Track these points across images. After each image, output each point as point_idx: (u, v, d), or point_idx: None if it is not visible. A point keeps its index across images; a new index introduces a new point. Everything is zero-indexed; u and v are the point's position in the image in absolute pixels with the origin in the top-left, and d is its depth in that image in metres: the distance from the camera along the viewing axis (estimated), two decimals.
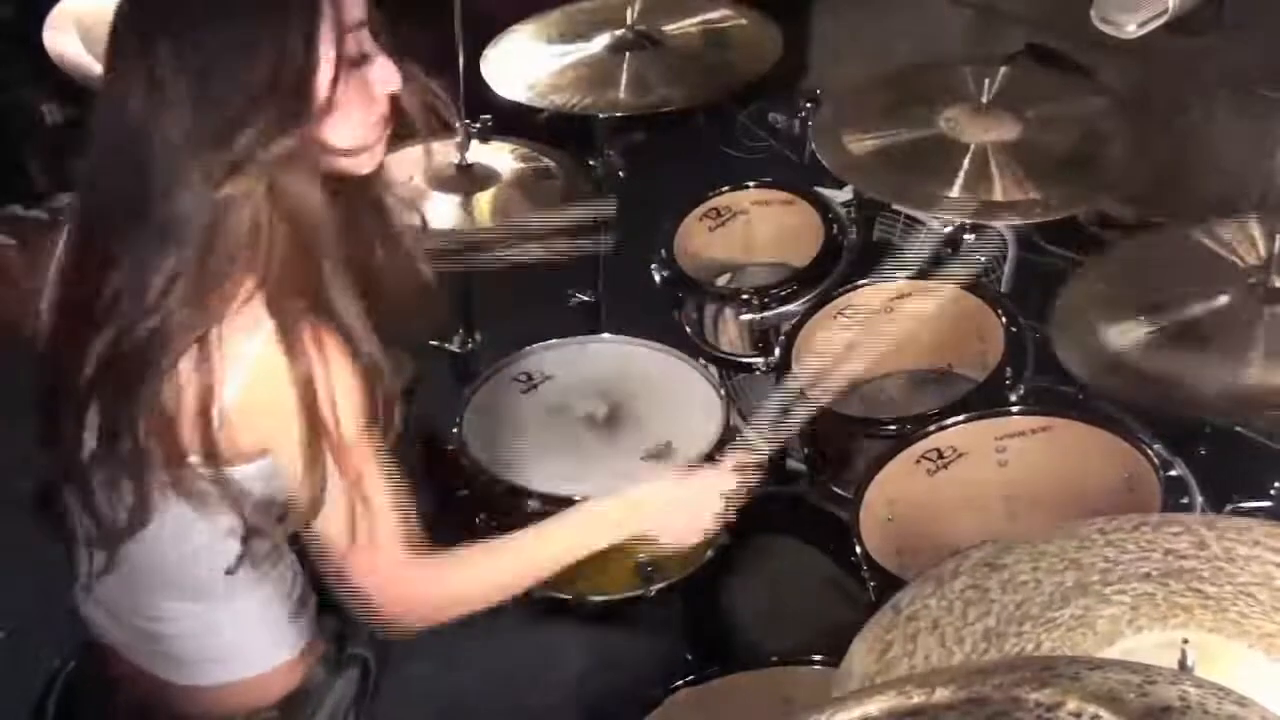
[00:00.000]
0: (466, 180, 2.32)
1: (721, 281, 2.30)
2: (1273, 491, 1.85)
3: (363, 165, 1.31)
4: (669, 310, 2.24)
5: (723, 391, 1.99)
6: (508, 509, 1.84)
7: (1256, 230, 1.82)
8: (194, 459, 1.25)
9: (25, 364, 1.35)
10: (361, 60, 1.26)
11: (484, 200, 2.29)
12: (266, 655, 1.43)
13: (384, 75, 1.28)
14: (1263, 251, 1.76)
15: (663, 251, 2.24)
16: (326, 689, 1.48)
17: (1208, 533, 1.06)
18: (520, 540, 1.46)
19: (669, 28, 2.48)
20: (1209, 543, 1.05)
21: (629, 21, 2.43)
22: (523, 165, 2.38)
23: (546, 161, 2.39)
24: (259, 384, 1.23)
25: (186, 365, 1.22)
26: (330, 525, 1.29)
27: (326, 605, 1.50)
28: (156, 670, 1.44)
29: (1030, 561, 1.06)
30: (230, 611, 1.40)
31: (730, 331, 2.17)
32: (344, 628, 1.53)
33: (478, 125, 2.34)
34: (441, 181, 2.31)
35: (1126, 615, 1.00)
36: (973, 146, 2.04)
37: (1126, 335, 1.71)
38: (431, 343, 2.54)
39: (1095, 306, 1.80)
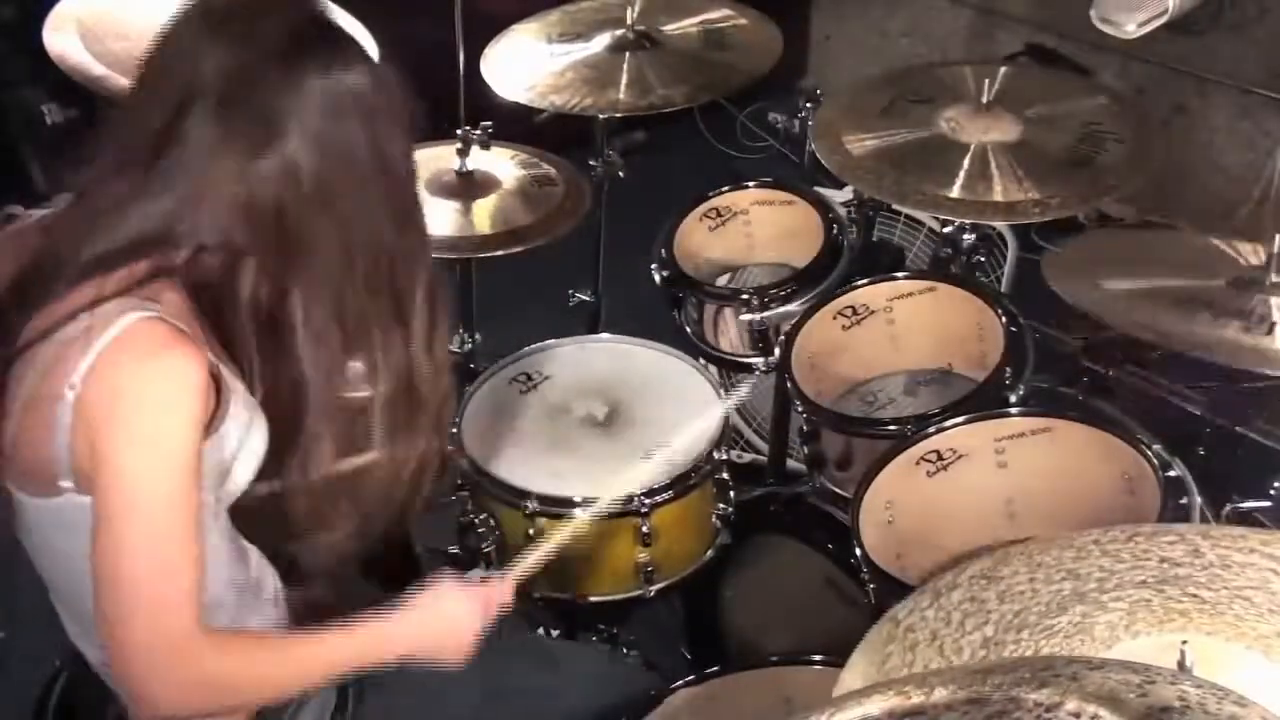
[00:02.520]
0: (467, 187, 2.32)
1: (721, 281, 2.30)
2: (1272, 491, 1.85)
3: None
4: (669, 310, 2.24)
5: (722, 391, 1.99)
6: (506, 510, 1.84)
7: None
8: (65, 483, 1.22)
9: None
10: None
11: (484, 207, 2.29)
12: None
13: None
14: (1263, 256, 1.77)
15: (663, 251, 2.24)
16: (297, 707, 1.43)
17: (1202, 541, 1.06)
18: (299, 642, 1.32)
19: (669, 28, 2.48)
20: (1204, 550, 1.05)
21: (629, 21, 2.43)
22: (523, 171, 2.38)
23: (547, 168, 2.39)
24: (90, 387, 1.17)
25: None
26: (97, 557, 1.19)
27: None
28: (113, 685, 1.37)
29: (1027, 572, 1.07)
30: None
31: (730, 331, 2.17)
32: None
33: (478, 132, 2.34)
34: (441, 188, 2.31)
35: (1124, 621, 1.00)
36: (973, 146, 2.04)
37: (1119, 284, 1.75)
38: None
39: (1099, 257, 1.84)
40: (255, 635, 1.33)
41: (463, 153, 2.31)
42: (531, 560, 1.56)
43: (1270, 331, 1.63)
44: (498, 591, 1.48)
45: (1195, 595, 1.01)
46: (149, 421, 1.18)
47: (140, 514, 1.17)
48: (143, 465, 1.17)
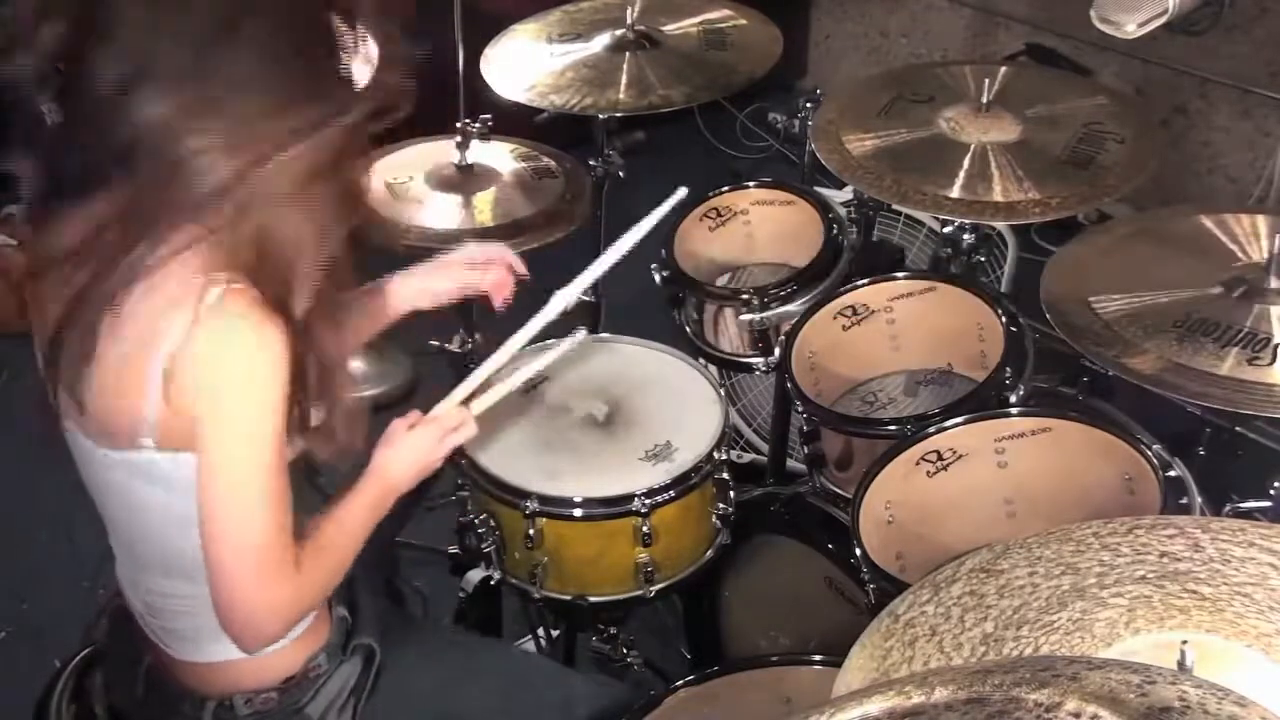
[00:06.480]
0: (466, 180, 2.32)
1: (721, 281, 2.30)
2: (1272, 491, 1.85)
3: None
4: (669, 310, 2.24)
5: (722, 391, 1.99)
6: (506, 510, 1.84)
7: (1264, 227, 1.85)
8: (145, 441, 1.27)
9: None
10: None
11: (484, 200, 2.29)
12: None
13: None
14: (1265, 249, 1.77)
15: (663, 251, 2.24)
16: (328, 677, 1.48)
17: (1202, 535, 1.06)
18: (333, 528, 1.42)
19: (669, 28, 2.48)
20: (1204, 544, 1.05)
21: (629, 21, 2.44)
22: (522, 165, 2.38)
23: (546, 161, 2.40)
24: (188, 357, 1.24)
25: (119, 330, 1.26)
26: (208, 506, 1.28)
27: (337, 594, 1.51)
28: (160, 642, 1.46)
29: (1027, 566, 1.06)
30: None
31: (730, 331, 2.17)
32: (352, 617, 1.54)
33: (477, 125, 2.34)
34: (441, 181, 2.31)
35: (1124, 618, 1.00)
36: (973, 146, 2.04)
37: (1112, 303, 1.74)
38: (431, 343, 2.54)
39: (1092, 266, 1.83)
40: (311, 541, 1.37)
41: (462, 146, 2.31)
42: (484, 393, 1.71)
43: (1273, 360, 1.62)
44: (449, 417, 1.61)
45: (1195, 591, 1.00)
46: (251, 382, 1.25)
47: (246, 467, 1.26)
48: (249, 416, 1.26)
